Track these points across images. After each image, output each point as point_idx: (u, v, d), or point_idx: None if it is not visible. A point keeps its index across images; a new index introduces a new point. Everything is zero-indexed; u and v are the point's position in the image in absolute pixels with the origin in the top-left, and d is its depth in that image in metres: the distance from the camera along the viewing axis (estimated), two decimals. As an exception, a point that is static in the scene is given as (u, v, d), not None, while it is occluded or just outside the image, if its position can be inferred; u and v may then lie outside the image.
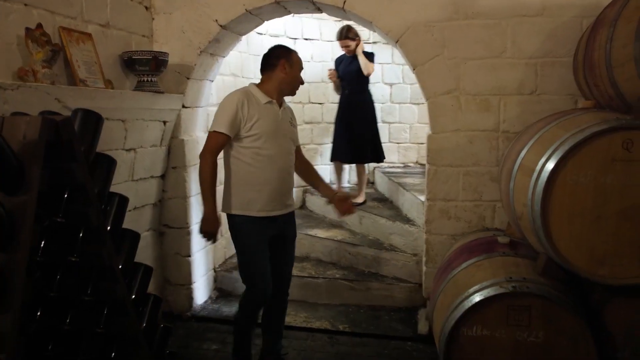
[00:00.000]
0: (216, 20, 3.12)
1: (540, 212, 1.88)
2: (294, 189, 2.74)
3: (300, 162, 2.69)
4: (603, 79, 2.15)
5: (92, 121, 1.44)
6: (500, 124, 2.85)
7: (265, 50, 2.58)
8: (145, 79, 2.88)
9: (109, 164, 1.52)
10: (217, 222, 2.47)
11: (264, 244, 2.45)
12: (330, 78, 4.45)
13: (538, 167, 1.91)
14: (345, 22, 4.17)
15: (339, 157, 4.43)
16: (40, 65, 2.16)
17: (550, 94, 2.78)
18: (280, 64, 2.44)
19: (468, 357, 2.02)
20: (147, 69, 2.84)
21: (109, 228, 1.43)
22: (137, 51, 2.86)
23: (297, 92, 2.61)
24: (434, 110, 2.94)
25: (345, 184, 4.90)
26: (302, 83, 2.55)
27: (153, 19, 3.21)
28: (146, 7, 3.16)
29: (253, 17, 3.21)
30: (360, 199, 4.30)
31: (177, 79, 3.20)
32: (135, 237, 1.68)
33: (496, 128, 2.86)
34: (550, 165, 1.85)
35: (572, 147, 1.82)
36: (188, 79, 3.22)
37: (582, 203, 1.85)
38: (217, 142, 2.37)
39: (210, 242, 2.58)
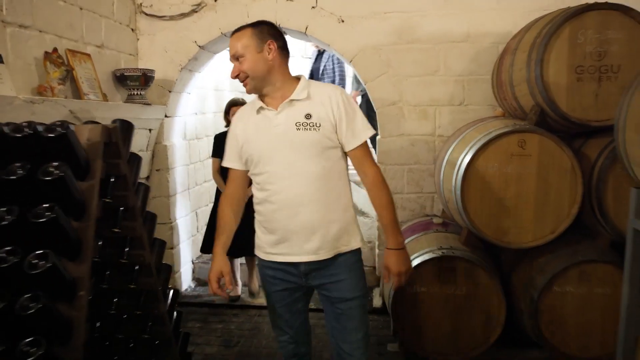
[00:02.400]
0: (195, 42, 3.60)
1: (461, 195, 2.48)
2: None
3: (361, 174, 1.84)
4: (508, 95, 2.79)
5: (128, 128, 1.90)
6: (436, 129, 3.47)
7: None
8: (135, 93, 3.32)
9: (138, 160, 1.97)
10: (216, 270, 1.83)
11: (280, 294, 1.88)
12: None
13: (459, 161, 2.51)
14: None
15: None
16: (57, 82, 2.59)
17: (475, 105, 3.42)
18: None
19: (410, 310, 2.59)
20: (137, 84, 3.29)
21: (139, 208, 1.89)
22: (129, 68, 3.30)
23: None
24: (382, 118, 3.53)
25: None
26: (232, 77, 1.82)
27: (138, 39, 3.65)
28: (132, 29, 3.60)
29: (227, 39, 3.71)
30: None
31: (160, 91, 3.65)
32: (153, 217, 2.12)
33: (433, 133, 3.47)
34: (467, 159, 2.45)
35: (483, 145, 2.43)
36: (170, 91, 3.68)
37: (490, 187, 2.46)
38: (230, 175, 1.92)
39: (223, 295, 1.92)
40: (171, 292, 2.24)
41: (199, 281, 4.20)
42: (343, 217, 1.81)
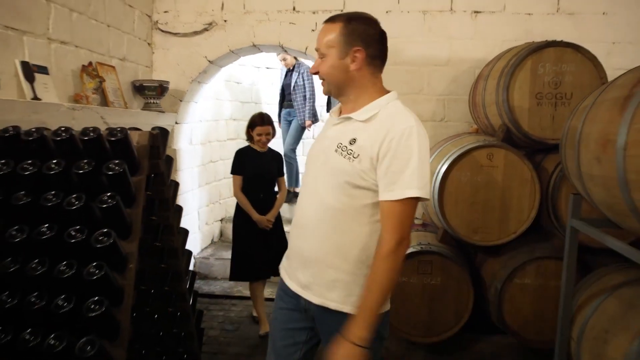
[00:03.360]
0: (205, 57, 4.00)
1: (438, 200, 2.90)
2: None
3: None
4: (481, 114, 3.24)
5: (165, 134, 2.28)
6: (418, 142, 3.89)
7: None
8: (152, 101, 3.70)
9: (171, 160, 2.35)
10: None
11: (279, 312, 1.70)
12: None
13: (437, 170, 2.94)
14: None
15: None
16: (91, 92, 2.97)
17: (454, 121, 3.87)
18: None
19: (393, 296, 2.99)
20: (154, 93, 3.67)
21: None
22: (147, 80, 3.69)
23: None
24: (371, 130, 3.94)
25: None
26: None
27: (153, 53, 4.04)
28: (149, 44, 3.98)
29: (234, 55, 4.12)
30: None
31: (172, 100, 4.03)
32: (180, 209, 2.49)
33: (416, 145, 3.90)
34: (444, 168, 2.88)
35: (457, 157, 2.86)
36: (181, 101, 4.06)
37: (463, 193, 2.89)
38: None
39: None
40: (190, 273, 2.62)
41: (199, 274, 4.56)
42: (348, 269, 1.50)
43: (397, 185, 1.40)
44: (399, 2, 3.81)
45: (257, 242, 3.47)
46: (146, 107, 3.71)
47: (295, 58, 5.35)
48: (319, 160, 1.57)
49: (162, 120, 3.81)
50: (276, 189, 3.69)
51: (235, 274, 3.51)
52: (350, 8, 3.80)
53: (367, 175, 1.45)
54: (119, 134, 1.89)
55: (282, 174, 3.70)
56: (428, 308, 2.99)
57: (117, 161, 1.87)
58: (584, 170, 1.87)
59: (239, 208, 3.51)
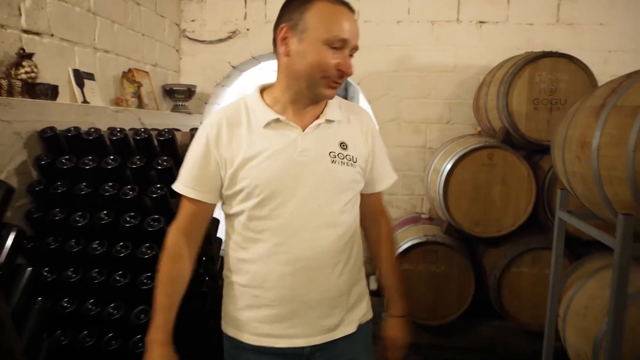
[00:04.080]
0: (229, 62, 4.32)
1: (443, 195, 3.19)
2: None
3: (371, 223, 1.55)
4: (484, 117, 3.53)
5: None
6: (426, 142, 4.19)
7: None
8: (180, 104, 4.03)
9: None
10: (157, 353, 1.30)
11: None
12: None
13: (442, 168, 3.23)
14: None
15: None
16: (130, 95, 3.30)
17: (459, 123, 4.15)
18: (278, 34, 1.28)
19: (401, 284, 3.29)
20: (183, 97, 3.99)
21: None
22: (177, 84, 4.02)
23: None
24: (382, 131, 4.24)
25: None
26: (344, 73, 1.26)
27: (181, 59, 4.36)
28: (177, 50, 4.31)
29: (255, 61, 4.43)
30: None
31: (197, 103, 4.35)
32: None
33: (424, 145, 4.20)
34: (448, 167, 3.17)
35: (460, 157, 3.15)
36: (206, 103, 4.39)
37: (466, 189, 3.18)
38: (182, 211, 1.36)
39: None
40: (220, 258, 2.94)
41: (220, 265, 4.88)
42: (362, 277, 1.44)
43: (387, 174, 1.49)
44: (409, 12, 4.10)
45: None
46: (175, 109, 4.03)
47: None
48: (308, 182, 1.27)
49: (190, 121, 4.13)
50: None
51: None
52: (364, 17, 4.10)
53: (363, 176, 1.41)
54: (166, 134, 2.21)
55: None
56: (433, 294, 3.28)
57: (165, 157, 2.18)
58: (567, 168, 2.16)
59: None
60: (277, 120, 1.31)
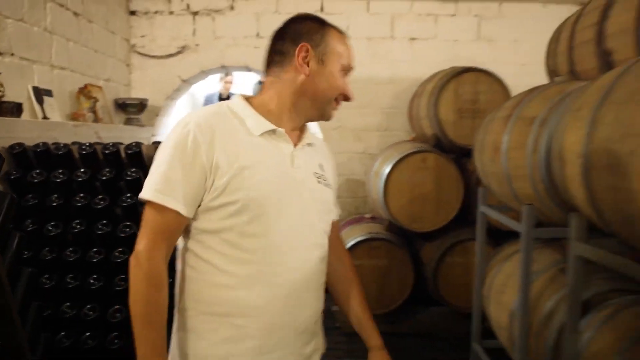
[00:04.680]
0: (179, 76, 4.51)
1: (384, 196, 3.55)
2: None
3: (335, 258, 1.42)
4: (417, 125, 3.94)
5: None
6: (366, 148, 4.56)
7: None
8: (133, 117, 4.18)
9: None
10: None
11: None
12: None
13: (382, 171, 3.59)
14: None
15: None
16: (87, 110, 3.44)
17: (396, 130, 4.56)
18: (298, 52, 1.22)
19: (349, 278, 3.61)
20: (135, 110, 4.15)
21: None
22: (129, 98, 4.17)
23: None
24: (326, 139, 4.57)
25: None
26: (348, 98, 1.32)
27: (131, 73, 4.51)
28: (127, 65, 4.45)
29: (204, 74, 4.65)
30: None
31: (149, 115, 4.51)
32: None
33: (365, 151, 4.57)
34: (387, 170, 3.53)
35: (397, 161, 3.52)
36: (157, 115, 4.55)
37: (403, 190, 3.55)
38: (156, 227, 1.14)
39: None
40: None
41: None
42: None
43: (336, 204, 1.42)
44: (348, 29, 4.46)
45: None
46: (128, 122, 4.17)
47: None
48: (300, 199, 1.23)
49: (143, 134, 4.29)
50: None
51: None
52: (307, 34, 4.42)
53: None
54: (134, 147, 2.42)
55: None
56: (377, 285, 3.63)
57: (134, 169, 2.39)
58: (485, 168, 2.56)
59: None
60: (273, 132, 1.23)
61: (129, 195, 2.36)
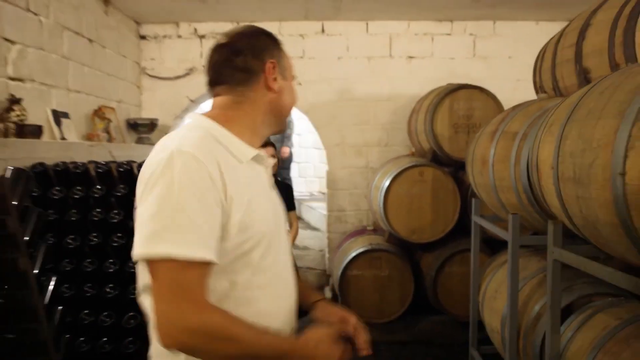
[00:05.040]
0: (187, 97, 4.72)
1: (383, 209, 3.70)
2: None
3: None
4: (415, 140, 4.10)
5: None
6: (368, 163, 4.73)
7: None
8: (144, 136, 4.38)
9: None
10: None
11: None
12: None
13: (382, 185, 3.75)
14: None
15: None
16: (101, 131, 3.64)
17: (396, 145, 4.72)
18: (269, 69, 1.18)
19: (351, 287, 3.76)
20: (146, 129, 4.35)
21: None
22: (140, 118, 4.37)
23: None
24: (329, 155, 4.75)
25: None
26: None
27: (142, 94, 4.73)
28: (137, 87, 4.68)
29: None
30: None
31: (159, 134, 4.70)
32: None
33: (366, 166, 4.73)
34: (386, 184, 3.69)
35: (396, 174, 3.68)
36: (166, 134, 4.73)
37: (402, 203, 3.71)
38: (198, 286, 0.97)
39: None
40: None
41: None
42: None
43: None
44: (348, 49, 4.67)
45: None
46: (139, 141, 4.38)
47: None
48: (282, 223, 1.22)
49: (153, 152, 4.48)
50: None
51: None
52: (309, 54, 4.63)
53: None
54: (125, 166, 2.60)
55: (293, 207, 3.38)
56: (379, 295, 3.77)
57: (122, 185, 2.57)
58: (476, 180, 2.71)
59: None
60: (256, 157, 1.16)
61: (116, 211, 2.54)
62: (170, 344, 0.94)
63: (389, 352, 3.84)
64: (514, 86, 4.63)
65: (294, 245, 3.20)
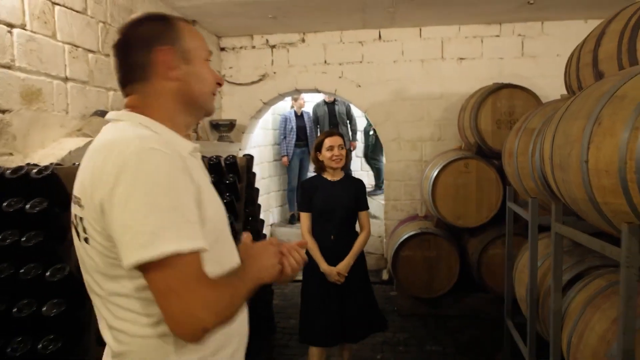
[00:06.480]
0: (261, 99, 5.39)
1: (432, 197, 4.16)
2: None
3: None
4: (463, 135, 4.51)
5: (251, 159, 3.62)
6: (422, 156, 5.18)
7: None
8: (225, 135, 5.10)
9: (254, 175, 3.70)
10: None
11: None
12: None
13: (430, 176, 4.21)
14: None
15: None
16: (191, 131, 4.37)
17: (447, 140, 5.13)
18: (157, 58, 1.11)
19: (402, 265, 4.26)
20: (227, 129, 5.07)
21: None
22: (221, 119, 5.10)
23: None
24: (386, 149, 5.25)
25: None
26: (221, 83, 1.28)
27: (222, 98, 5.46)
28: (219, 92, 5.40)
29: (281, 97, 5.50)
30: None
31: (237, 133, 5.42)
32: (259, 206, 3.86)
33: (420, 159, 5.18)
34: (434, 174, 4.14)
35: (443, 166, 4.13)
36: (243, 133, 5.46)
37: (449, 192, 4.15)
38: (200, 269, 0.97)
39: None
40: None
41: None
42: None
43: None
44: (403, 54, 5.13)
45: (326, 299, 2.82)
46: (221, 139, 5.10)
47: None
48: (224, 212, 1.20)
49: (232, 148, 5.20)
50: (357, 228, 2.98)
51: (304, 336, 2.89)
52: (367, 59, 5.15)
53: None
54: (231, 159, 3.25)
55: (365, 207, 2.98)
56: (428, 273, 4.23)
57: (231, 175, 3.21)
58: (506, 170, 3.13)
59: (308, 254, 2.75)
60: (193, 150, 1.15)
61: (227, 194, 3.19)
62: (201, 335, 0.95)
63: (436, 324, 4.31)
64: (562, 83, 4.88)
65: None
